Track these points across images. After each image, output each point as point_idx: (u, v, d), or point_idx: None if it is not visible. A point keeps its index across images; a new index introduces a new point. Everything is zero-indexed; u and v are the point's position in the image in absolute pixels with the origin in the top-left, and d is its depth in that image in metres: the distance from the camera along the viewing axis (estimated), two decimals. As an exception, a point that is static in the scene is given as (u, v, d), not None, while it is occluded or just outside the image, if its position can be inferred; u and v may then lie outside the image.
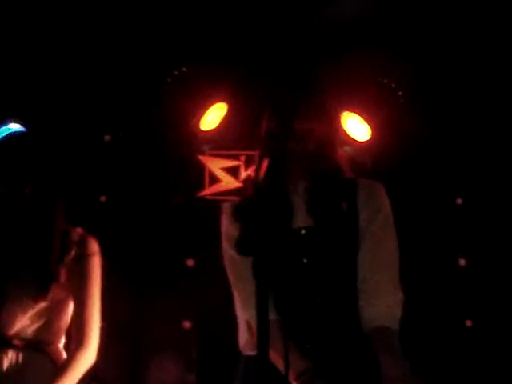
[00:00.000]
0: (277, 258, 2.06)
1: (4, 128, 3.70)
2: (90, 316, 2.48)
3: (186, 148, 4.31)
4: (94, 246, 2.55)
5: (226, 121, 4.26)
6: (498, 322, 4.15)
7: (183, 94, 4.21)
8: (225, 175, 4.33)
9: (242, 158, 4.33)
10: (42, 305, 2.45)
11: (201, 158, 4.35)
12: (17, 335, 2.44)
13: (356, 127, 4.15)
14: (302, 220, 2.12)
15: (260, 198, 1.68)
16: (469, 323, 4.21)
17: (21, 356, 2.43)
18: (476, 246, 4.24)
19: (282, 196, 2.12)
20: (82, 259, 2.50)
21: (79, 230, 2.56)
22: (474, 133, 4.27)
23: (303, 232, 2.11)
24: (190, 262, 4.22)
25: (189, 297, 4.11)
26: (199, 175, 4.33)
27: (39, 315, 2.46)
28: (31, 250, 2.46)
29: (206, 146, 4.34)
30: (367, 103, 4.10)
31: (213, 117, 4.27)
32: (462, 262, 4.26)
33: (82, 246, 2.52)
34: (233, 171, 4.33)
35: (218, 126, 4.27)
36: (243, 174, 4.29)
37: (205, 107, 4.25)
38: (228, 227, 2.13)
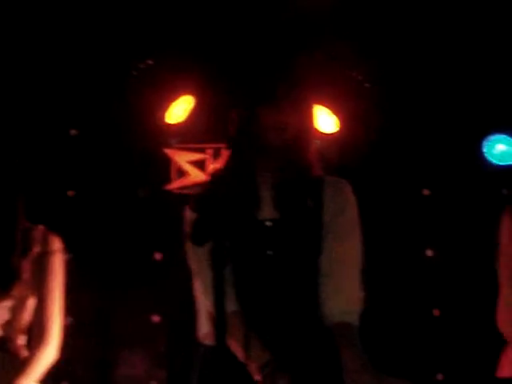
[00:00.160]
0: (241, 248, 2.08)
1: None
2: (50, 313, 2.47)
3: (153, 141, 4.29)
4: (57, 244, 2.54)
5: (193, 114, 4.25)
6: (465, 311, 4.19)
7: (149, 86, 4.18)
8: (191, 168, 4.31)
9: (209, 151, 4.31)
10: (5, 303, 2.43)
11: (167, 151, 4.33)
12: None
13: (324, 119, 4.16)
14: (268, 212, 2.12)
15: (216, 188, 1.67)
16: (436, 312, 4.25)
17: None
18: (443, 236, 4.28)
19: (249, 187, 2.12)
20: (45, 257, 2.49)
21: (41, 227, 2.54)
22: (440, 124, 4.30)
23: (268, 224, 2.11)
24: (158, 256, 4.20)
25: (157, 290, 4.09)
26: (166, 168, 4.31)
27: (2, 313, 2.44)
28: None
29: (173, 139, 4.32)
30: (334, 95, 4.11)
31: (179, 110, 4.25)
32: (429, 252, 4.29)
33: (45, 243, 2.51)
34: (199, 164, 4.32)
35: (185, 119, 4.26)
36: (210, 167, 4.28)
37: (171, 100, 4.23)
38: (189, 216, 2.12)
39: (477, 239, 4.10)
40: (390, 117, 4.25)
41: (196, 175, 4.27)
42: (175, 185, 4.29)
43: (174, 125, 4.27)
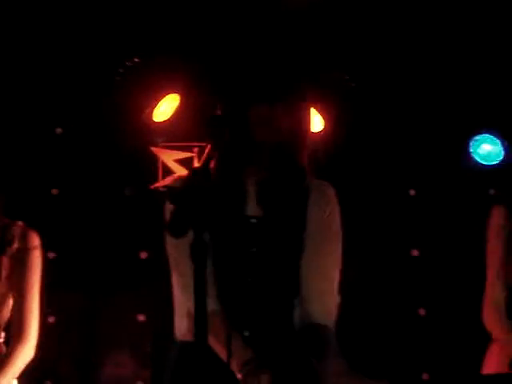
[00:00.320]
0: (224, 243, 2.07)
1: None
2: (28, 310, 2.46)
3: (139, 139, 4.27)
4: (35, 240, 2.51)
5: (179, 112, 4.23)
6: (451, 310, 4.20)
7: (135, 84, 4.17)
8: (178, 167, 4.30)
9: (196, 149, 4.30)
10: None
11: (154, 149, 4.32)
12: None
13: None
14: (253, 209, 2.11)
15: (197, 180, 1.66)
16: (422, 312, 4.26)
17: None
18: (429, 236, 4.29)
19: (235, 182, 2.11)
20: (23, 253, 2.47)
21: (20, 223, 2.52)
22: (426, 124, 4.30)
23: (253, 221, 2.10)
24: (144, 255, 4.19)
25: (143, 289, 4.08)
26: (152, 167, 4.30)
27: None
28: None
29: (159, 137, 4.31)
30: (320, 94, 4.10)
31: (165, 108, 4.23)
32: (415, 252, 4.29)
33: (23, 239, 2.49)
34: (186, 162, 4.31)
35: (171, 118, 4.24)
36: (196, 165, 4.27)
37: (157, 98, 4.21)
38: (167, 208, 2.10)
39: (463, 239, 4.12)
40: (376, 116, 4.26)
41: (183, 173, 4.25)
42: (162, 183, 4.28)
43: (160, 123, 4.26)
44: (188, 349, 2.05)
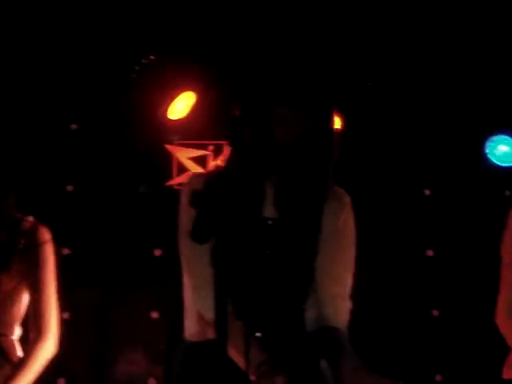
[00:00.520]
0: (240, 246, 2.06)
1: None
2: (46, 305, 2.43)
3: (154, 137, 4.27)
4: (46, 235, 2.48)
5: (195, 110, 4.23)
6: (465, 312, 4.19)
7: (151, 82, 4.17)
8: (193, 165, 4.30)
9: (211, 147, 4.31)
10: None
11: (169, 147, 4.32)
12: None
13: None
14: (270, 211, 2.11)
15: (218, 183, 1.65)
16: (435, 313, 4.24)
17: None
18: (444, 236, 4.27)
19: (254, 184, 2.11)
20: (34, 248, 2.44)
21: (30, 219, 2.50)
22: (442, 124, 4.29)
23: (270, 222, 2.10)
24: (158, 252, 4.19)
25: (157, 287, 4.09)
26: (167, 165, 4.30)
27: None
28: None
29: (174, 135, 4.31)
30: (337, 94, 4.08)
31: (181, 106, 4.24)
32: (430, 252, 4.28)
33: (33, 234, 2.46)
34: (201, 161, 4.31)
35: (187, 115, 4.24)
36: (211, 164, 4.27)
37: (173, 96, 4.22)
38: (187, 211, 2.09)
39: (477, 240, 4.10)
40: (392, 116, 4.24)
41: (197, 172, 4.26)
42: (176, 181, 4.28)
43: (175, 121, 4.26)
44: (196, 349, 2.06)
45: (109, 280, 4.13)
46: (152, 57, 4.16)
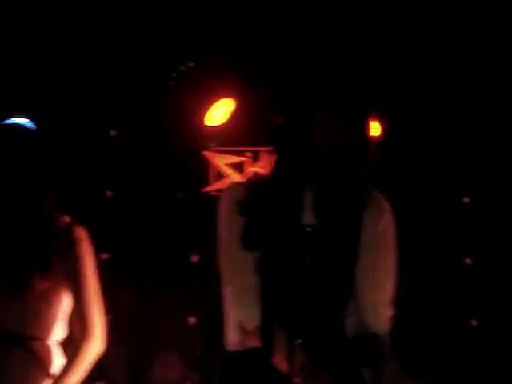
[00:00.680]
0: (281, 253, 2.06)
1: (10, 122, 3.68)
2: (89, 304, 2.39)
3: (192, 143, 4.30)
4: (82, 233, 2.44)
5: (233, 116, 4.25)
6: (503, 321, 4.14)
7: (189, 88, 4.20)
8: (230, 171, 4.32)
9: (248, 153, 4.31)
10: (26, 297, 2.35)
11: (206, 153, 4.34)
12: None
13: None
14: (309, 218, 2.11)
15: (270, 192, 1.66)
16: (474, 323, 4.20)
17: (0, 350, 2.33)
18: (482, 244, 4.23)
19: (295, 191, 2.11)
20: (69, 246, 2.40)
21: (66, 218, 2.47)
22: (481, 131, 4.25)
23: (309, 230, 2.10)
24: (195, 258, 4.21)
25: (194, 293, 4.10)
26: (204, 171, 4.32)
27: (23, 308, 2.36)
28: (13, 240, 2.40)
29: (212, 141, 4.33)
30: (377, 100, 4.07)
31: (219, 112, 4.25)
32: (468, 260, 4.24)
33: (69, 233, 2.42)
34: (238, 167, 4.32)
35: (225, 122, 4.26)
36: (248, 170, 4.28)
37: (211, 102, 4.24)
38: (230, 217, 2.09)
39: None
40: (432, 123, 4.21)
41: (234, 178, 4.27)
42: (213, 187, 4.30)
43: (213, 127, 4.28)
44: (237, 359, 2.06)
45: (147, 285, 4.15)
46: (190, 64, 4.18)
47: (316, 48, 3.93)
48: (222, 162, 4.34)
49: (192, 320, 4.16)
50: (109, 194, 4.26)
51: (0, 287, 2.36)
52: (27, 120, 3.47)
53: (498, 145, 4.23)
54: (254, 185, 2.03)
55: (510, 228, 4.17)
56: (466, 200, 4.28)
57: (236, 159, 4.34)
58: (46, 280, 2.38)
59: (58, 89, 4.19)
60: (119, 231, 4.16)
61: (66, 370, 2.36)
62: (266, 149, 4.17)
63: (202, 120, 4.27)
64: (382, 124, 4.11)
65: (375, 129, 4.15)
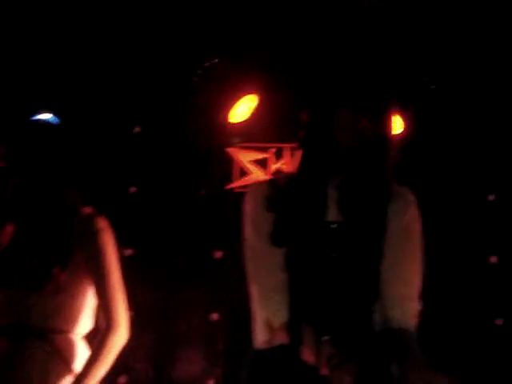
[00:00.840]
0: (307, 250, 2.06)
1: (35, 118, 3.71)
2: (113, 294, 2.38)
3: (216, 140, 4.30)
4: (102, 223, 2.43)
5: (256, 113, 4.25)
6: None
7: (213, 85, 4.20)
8: (254, 168, 4.32)
9: (272, 150, 4.31)
10: (48, 289, 2.34)
11: (230, 150, 4.34)
12: (21, 321, 2.36)
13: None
14: (334, 214, 2.10)
15: (295, 189, 1.66)
16: (499, 322, 4.16)
17: (22, 343, 2.34)
18: (508, 243, 4.20)
19: (319, 188, 2.11)
20: (90, 236, 2.39)
21: (88, 209, 2.47)
22: (506, 128, 4.22)
23: (334, 226, 2.10)
24: (218, 254, 4.21)
25: (217, 289, 4.11)
26: (228, 167, 4.32)
27: (45, 301, 2.36)
28: (36, 233, 2.41)
29: (236, 138, 4.33)
30: (400, 97, 4.06)
31: (243, 109, 4.25)
32: (494, 259, 4.21)
33: (89, 223, 2.41)
34: (261, 164, 4.32)
35: (248, 118, 4.26)
36: (272, 167, 4.28)
37: (235, 99, 4.24)
38: (257, 215, 2.10)
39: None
40: (456, 120, 4.19)
41: (258, 175, 4.27)
42: (237, 184, 4.30)
43: (237, 124, 4.28)
44: (265, 356, 2.06)
45: (170, 281, 4.16)
46: (215, 60, 4.19)
47: (339, 44, 3.92)
48: (245, 158, 4.34)
49: (215, 316, 4.16)
50: (133, 190, 4.28)
51: (22, 280, 2.37)
52: (52, 116, 3.50)
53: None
54: (279, 182, 2.02)
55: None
56: (491, 197, 4.25)
57: (259, 156, 4.33)
58: (68, 272, 2.37)
59: (84, 86, 4.22)
60: (143, 227, 4.18)
61: (91, 360, 2.35)
62: (290, 145, 4.18)
63: (225, 116, 4.27)
64: (404, 120, 4.09)
65: (398, 124, 4.14)
